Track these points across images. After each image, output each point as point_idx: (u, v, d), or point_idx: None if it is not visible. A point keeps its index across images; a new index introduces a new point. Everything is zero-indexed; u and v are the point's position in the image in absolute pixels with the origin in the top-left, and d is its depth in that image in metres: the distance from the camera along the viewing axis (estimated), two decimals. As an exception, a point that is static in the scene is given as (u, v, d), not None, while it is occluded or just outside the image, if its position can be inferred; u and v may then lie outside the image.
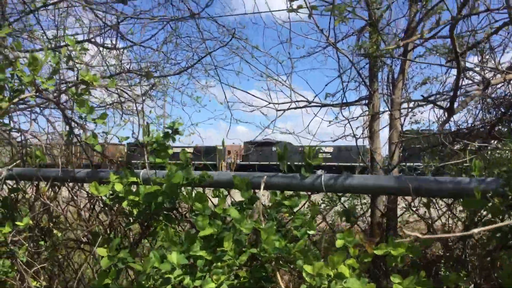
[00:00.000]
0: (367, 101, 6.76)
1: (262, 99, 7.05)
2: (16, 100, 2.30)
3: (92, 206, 2.64)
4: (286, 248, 1.80)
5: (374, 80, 6.67)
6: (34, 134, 2.83)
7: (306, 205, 2.12)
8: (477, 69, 3.63)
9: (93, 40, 4.96)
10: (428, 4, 5.71)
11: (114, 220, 2.39)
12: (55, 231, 2.73)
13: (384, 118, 6.68)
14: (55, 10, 4.33)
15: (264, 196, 2.10)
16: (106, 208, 2.61)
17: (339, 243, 1.86)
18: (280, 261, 1.85)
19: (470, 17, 3.49)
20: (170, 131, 2.46)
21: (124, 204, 2.12)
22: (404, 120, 6.57)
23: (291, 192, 2.14)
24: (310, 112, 7.28)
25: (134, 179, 2.35)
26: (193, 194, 2.07)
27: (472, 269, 1.83)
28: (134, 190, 2.29)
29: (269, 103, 7.11)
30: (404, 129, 6.67)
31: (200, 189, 2.20)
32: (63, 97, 2.64)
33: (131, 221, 2.38)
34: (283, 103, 7.16)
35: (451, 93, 4.70)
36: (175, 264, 1.78)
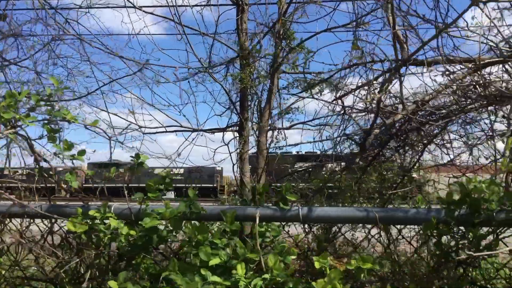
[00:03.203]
0: (237, 128, 7.34)
1: (132, 122, 7.15)
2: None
3: (51, 241, 2.70)
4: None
5: (245, 108, 7.29)
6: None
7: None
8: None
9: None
10: (291, 42, 6.59)
11: (97, 255, 2.52)
12: None
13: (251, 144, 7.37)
14: None
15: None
16: (65, 243, 2.71)
17: (317, 265, 2.35)
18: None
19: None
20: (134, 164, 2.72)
21: (123, 238, 2.31)
22: (269, 146, 7.36)
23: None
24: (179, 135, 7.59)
25: (111, 214, 2.52)
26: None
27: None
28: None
29: (140, 127, 7.27)
30: (269, 153, 7.43)
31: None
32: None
33: (109, 254, 2.54)
34: (153, 127, 7.39)
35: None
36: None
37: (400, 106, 4.28)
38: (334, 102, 4.74)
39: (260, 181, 6.69)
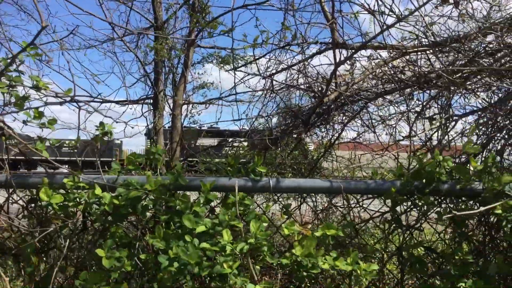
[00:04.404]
0: (151, 101, 7.30)
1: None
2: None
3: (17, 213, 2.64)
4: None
5: (160, 80, 7.27)
6: None
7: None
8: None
9: None
10: (206, 17, 6.69)
11: (65, 225, 2.51)
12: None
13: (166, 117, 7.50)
14: None
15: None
16: (27, 214, 2.67)
17: (285, 231, 2.59)
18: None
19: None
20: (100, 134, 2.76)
21: (107, 207, 2.35)
22: (184, 120, 7.45)
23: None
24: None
25: (83, 183, 2.54)
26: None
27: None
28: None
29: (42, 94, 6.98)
30: (184, 128, 7.52)
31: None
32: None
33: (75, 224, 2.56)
34: (59, 95, 7.16)
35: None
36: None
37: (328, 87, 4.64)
38: (266, 78, 4.94)
39: (174, 155, 6.77)
